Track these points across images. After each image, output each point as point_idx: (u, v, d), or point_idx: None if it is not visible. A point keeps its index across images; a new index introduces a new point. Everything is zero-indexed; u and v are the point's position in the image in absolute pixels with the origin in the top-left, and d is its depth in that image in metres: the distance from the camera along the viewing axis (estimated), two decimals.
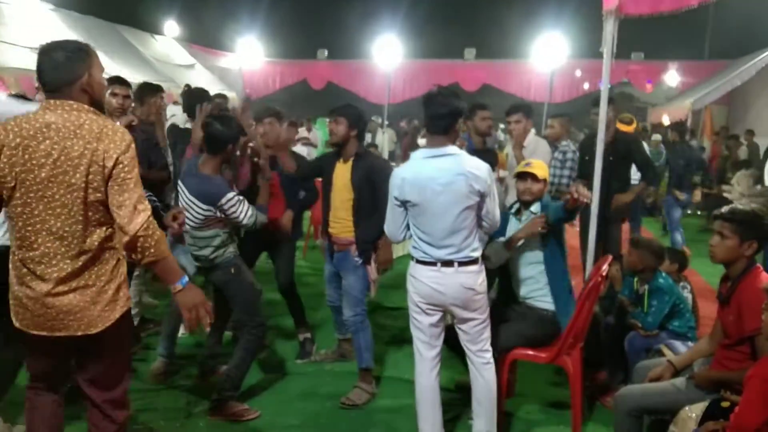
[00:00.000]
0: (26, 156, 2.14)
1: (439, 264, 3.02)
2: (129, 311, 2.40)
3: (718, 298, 2.91)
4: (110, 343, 2.34)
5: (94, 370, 2.39)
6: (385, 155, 12.39)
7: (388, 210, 3.18)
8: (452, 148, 3.01)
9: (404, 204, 3.06)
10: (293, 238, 4.48)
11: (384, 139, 12.97)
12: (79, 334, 2.25)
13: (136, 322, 4.68)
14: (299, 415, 3.64)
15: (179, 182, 3.60)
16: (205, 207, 3.42)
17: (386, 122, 14.68)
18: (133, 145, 2.27)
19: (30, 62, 8.93)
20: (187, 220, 3.44)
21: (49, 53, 2.22)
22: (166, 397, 3.76)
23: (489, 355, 3.17)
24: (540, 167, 3.56)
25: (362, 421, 3.62)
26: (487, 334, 3.16)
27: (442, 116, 3.01)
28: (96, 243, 2.24)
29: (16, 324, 2.28)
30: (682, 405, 2.67)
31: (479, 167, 2.97)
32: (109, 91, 3.97)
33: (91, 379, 2.40)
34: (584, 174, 5.02)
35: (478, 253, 3.07)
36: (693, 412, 2.60)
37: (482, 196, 2.96)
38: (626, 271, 4.08)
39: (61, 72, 2.21)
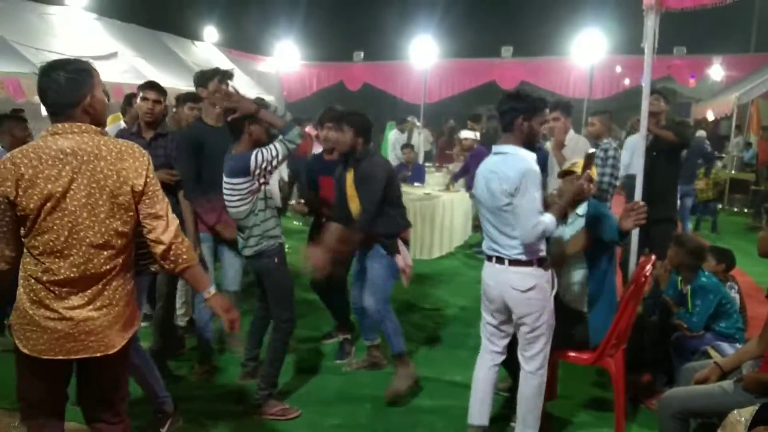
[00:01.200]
0: (49, 185, 2.10)
1: (493, 259, 3.09)
2: (135, 333, 2.43)
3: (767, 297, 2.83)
4: (120, 362, 2.35)
5: (100, 390, 2.38)
6: (421, 155, 12.35)
7: None
8: (507, 147, 3.05)
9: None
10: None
11: (420, 140, 12.94)
12: (99, 355, 2.24)
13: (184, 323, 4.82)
14: (339, 415, 3.67)
15: (224, 178, 3.58)
16: (243, 180, 3.43)
17: (422, 122, 14.65)
18: (149, 158, 2.30)
19: None
20: (233, 209, 3.52)
21: (49, 74, 2.17)
22: (210, 398, 3.84)
23: (534, 367, 3.10)
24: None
25: (402, 421, 3.63)
26: (540, 347, 3.07)
27: (501, 114, 3.09)
28: (119, 262, 2.25)
29: (25, 350, 2.21)
30: (730, 408, 2.60)
31: (511, 167, 2.95)
32: (140, 95, 4.01)
33: (97, 398, 2.40)
34: (653, 170, 4.90)
35: (526, 257, 2.99)
36: (742, 416, 2.52)
37: (511, 196, 2.93)
38: (672, 274, 4.00)
39: (65, 94, 2.17)
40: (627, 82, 15.05)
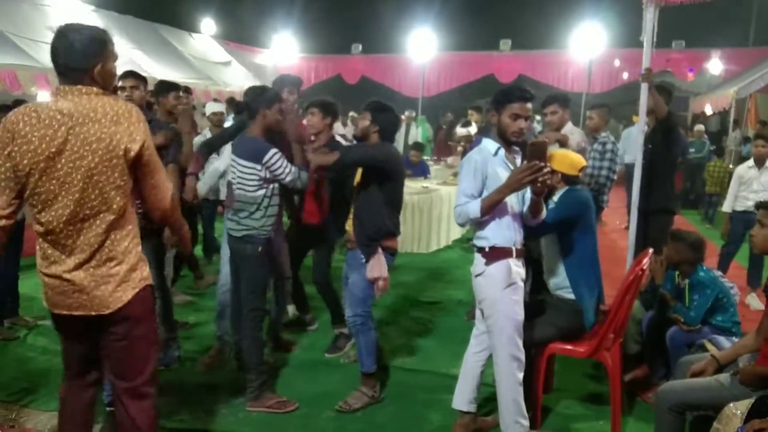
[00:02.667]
0: (42, 144, 2.15)
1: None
2: (147, 296, 2.40)
3: (765, 292, 2.83)
4: (127, 327, 2.35)
5: (114, 357, 2.40)
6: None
7: None
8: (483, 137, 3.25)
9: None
10: (333, 236, 4.54)
11: (417, 133, 12.92)
12: (93, 313, 2.29)
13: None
14: (334, 409, 3.66)
15: (232, 156, 3.68)
16: (251, 165, 3.50)
17: (421, 115, 14.64)
18: (147, 124, 2.33)
19: None
20: (244, 191, 3.55)
21: (66, 36, 2.20)
22: (207, 391, 3.84)
23: (503, 357, 3.09)
24: (559, 160, 3.45)
25: (398, 415, 3.63)
26: (499, 329, 3.07)
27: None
28: (112, 224, 2.27)
29: (45, 304, 2.35)
30: (726, 401, 2.60)
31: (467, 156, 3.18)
32: (119, 85, 4.05)
33: (112, 367, 2.42)
34: (650, 162, 4.90)
35: (482, 243, 3.10)
36: (738, 409, 2.53)
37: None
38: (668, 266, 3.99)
39: (76, 58, 2.19)
40: (626, 76, 15.03)
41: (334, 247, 4.74)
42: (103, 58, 2.24)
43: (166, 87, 4.75)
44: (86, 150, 2.18)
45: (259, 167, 3.50)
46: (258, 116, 3.58)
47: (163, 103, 4.66)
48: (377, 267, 3.63)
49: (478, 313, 3.28)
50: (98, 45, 2.24)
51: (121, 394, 2.43)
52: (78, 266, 2.25)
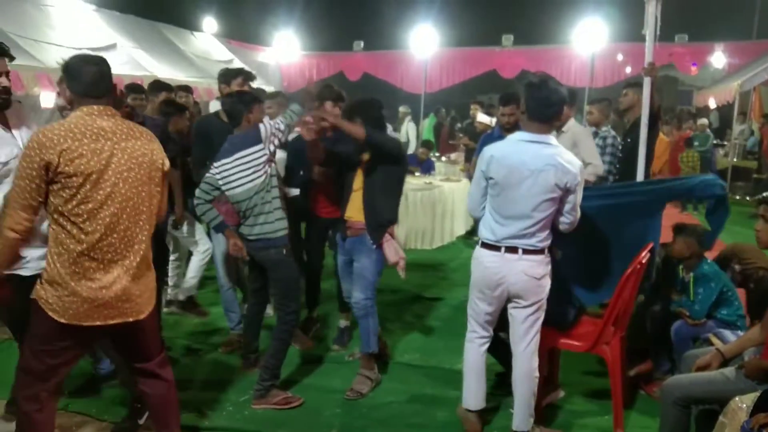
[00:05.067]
0: (94, 157, 2.33)
1: (502, 249, 3.02)
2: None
3: None
4: (151, 322, 2.65)
5: (139, 349, 2.66)
6: (412, 146, 12.26)
7: (472, 184, 3.21)
8: (551, 138, 3.00)
9: (488, 181, 3.04)
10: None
11: (409, 129, 12.80)
12: (131, 320, 2.48)
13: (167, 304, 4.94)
14: (340, 404, 3.68)
15: (221, 163, 3.56)
16: (255, 149, 3.47)
17: (424, 111, 14.61)
18: None
19: None
20: (246, 184, 3.48)
21: (95, 64, 2.46)
22: (211, 388, 3.85)
23: (532, 350, 3.15)
24: None
25: (402, 410, 3.64)
26: (537, 329, 3.14)
27: (551, 104, 2.96)
28: (149, 233, 2.54)
29: (62, 320, 2.37)
30: (731, 395, 2.60)
31: (572, 162, 2.94)
32: None
33: (136, 356, 2.68)
34: (628, 157, 4.90)
35: (545, 244, 3.03)
36: (744, 402, 2.52)
37: (567, 191, 2.94)
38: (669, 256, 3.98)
39: (108, 81, 2.47)
40: (629, 70, 14.95)
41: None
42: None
43: (156, 87, 5.04)
44: (133, 163, 2.44)
45: (262, 145, 3.48)
46: (243, 122, 3.64)
47: (154, 102, 4.86)
48: (394, 250, 3.80)
49: (485, 317, 3.21)
50: (110, 67, 2.53)
51: (153, 370, 2.69)
52: (124, 275, 2.43)
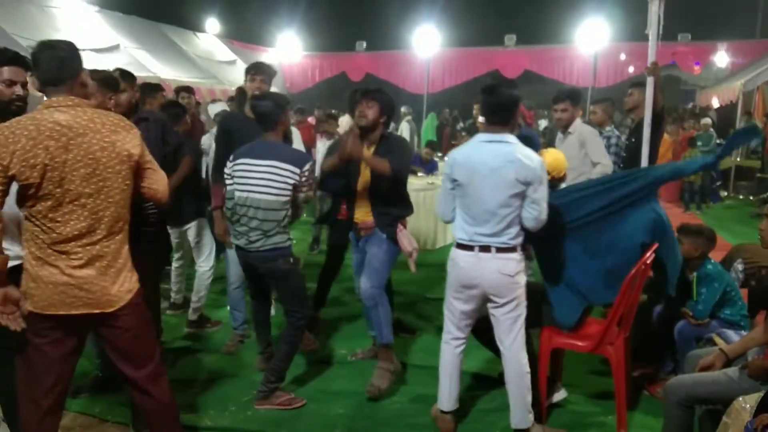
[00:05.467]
0: (48, 155, 2.24)
1: (476, 248, 3.10)
2: (140, 300, 2.55)
3: None
4: (131, 320, 2.50)
5: (120, 351, 2.54)
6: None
7: (441, 189, 3.28)
8: (509, 137, 3.09)
9: (454, 183, 3.14)
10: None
11: (403, 128, 12.77)
12: (97, 311, 2.40)
13: (165, 309, 4.90)
14: (344, 405, 3.68)
15: (245, 161, 3.50)
16: (290, 168, 3.42)
17: (420, 111, 14.60)
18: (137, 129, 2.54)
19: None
20: (270, 196, 3.43)
21: (52, 49, 2.36)
22: (214, 388, 3.86)
23: (519, 345, 3.18)
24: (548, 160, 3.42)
25: (407, 410, 3.65)
26: (520, 325, 3.18)
27: (503, 107, 3.09)
28: (116, 227, 2.43)
29: (30, 307, 2.34)
30: (735, 395, 2.60)
31: (530, 157, 3.02)
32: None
33: (124, 362, 2.56)
34: (632, 156, 4.90)
35: (516, 242, 3.10)
36: (747, 402, 2.52)
37: (528, 184, 2.99)
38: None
39: (68, 67, 2.37)
40: (631, 69, 14.95)
41: None
42: (82, 67, 2.44)
43: (152, 88, 5.02)
44: (90, 159, 2.32)
45: (298, 171, 3.44)
46: (278, 126, 3.57)
47: (150, 103, 4.82)
48: (409, 240, 3.86)
49: (462, 317, 3.25)
50: (78, 54, 2.42)
51: (143, 384, 2.57)
52: (88, 266, 2.36)
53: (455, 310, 3.26)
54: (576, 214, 3.35)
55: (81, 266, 2.35)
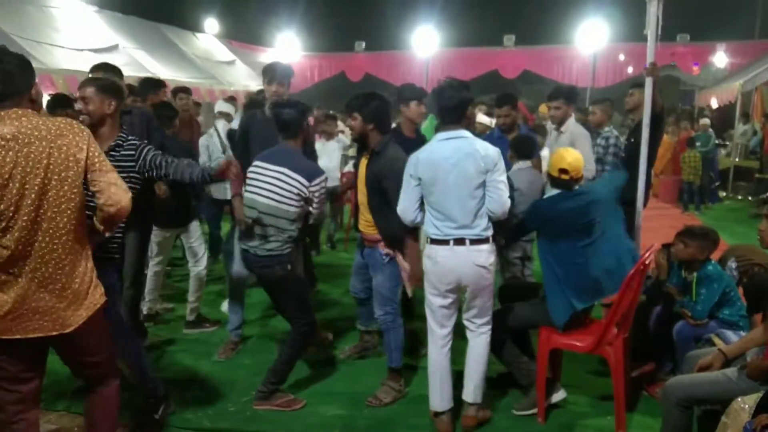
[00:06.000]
0: None
1: (451, 242, 3.19)
2: (100, 316, 2.45)
3: None
4: (87, 337, 2.42)
5: (77, 364, 2.53)
6: None
7: (402, 189, 3.30)
8: (464, 132, 3.24)
9: (419, 182, 3.23)
10: None
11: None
12: (54, 333, 2.31)
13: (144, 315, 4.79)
14: (341, 405, 3.68)
15: (260, 164, 3.58)
16: (299, 180, 3.45)
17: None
18: (91, 132, 2.40)
19: (77, 64, 9.20)
20: (284, 205, 3.46)
21: (2, 62, 2.25)
22: (213, 388, 3.85)
23: (487, 328, 3.40)
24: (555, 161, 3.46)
25: (405, 410, 3.65)
26: (489, 307, 3.38)
27: (454, 108, 3.23)
28: (69, 241, 2.31)
29: None
30: (734, 396, 2.60)
31: (486, 148, 3.19)
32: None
33: (77, 370, 2.57)
34: (631, 156, 4.89)
35: (488, 233, 3.22)
36: (746, 403, 2.52)
37: (487, 172, 3.15)
38: (674, 260, 3.97)
39: (19, 82, 2.28)
40: (630, 70, 14.96)
41: None
42: (34, 78, 2.36)
43: (153, 84, 5.06)
44: (38, 168, 2.21)
45: (307, 184, 3.46)
46: (300, 134, 3.61)
47: (152, 99, 4.84)
48: (406, 269, 3.64)
49: (443, 311, 3.35)
50: (30, 67, 2.33)
51: (93, 384, 2.59)
52: (38, 288, 2.26)
53: (434, 307, 3.35)
54: (585, 219, 3.37)
55: (29, 288, 2.24)
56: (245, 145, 4.18)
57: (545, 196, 3.48)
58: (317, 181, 3.49)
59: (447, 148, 3.18)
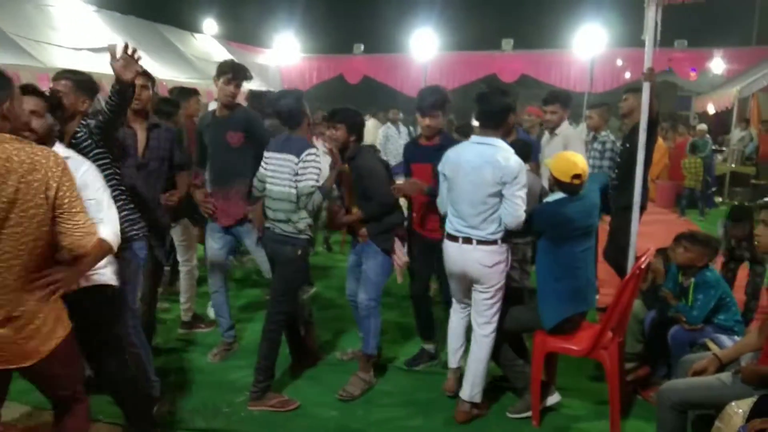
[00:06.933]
0: None
1: (460, 240, 3.40)
2: (68, 345, 2.34)
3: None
4: (51, 367, 2.30)
5: (41, 388, 2.46)
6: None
7: (440, 182, 3.55)
8: (496, 141, 3.36)
9: (445, 178, 3.47)
10: None
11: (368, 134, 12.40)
12: (13, 367, 2.22)
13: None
14: (336, 407, 3.68)
15: (267, 154, 3.75)
16: (292, 161, 3.56)
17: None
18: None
19: (76, 63, 9.19)
20: (272, 187, 3.65)
21: None
22: (207, 390, 3.85)
23: (489, 330, 3.47)
24: (554, 162, 3.47)
25: (398, 413, 3.64)
26: (494, 311, 3.46)
27: (494, 114, 3.39)
28: (33, 278, 2.17)
29: None
30: (728, 400, 2.60)
31: (509, 159, 3.27)
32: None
33: (44, 392, 2.49)
34: (626, 161, 4.90)
35: (496, 236, 3.35)
36: (740, 407, 2.53)
37: (504, 183, 3.26)
38: (671, 264, 3.98)
39: None
40: (628, 75, 14.98)
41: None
42: (11, 92, 2.14)
43: (186, 92, 5.11)
44: (3, 203, 2.03)
45: (296, 160, 3.56)
46: (304, 122, 3.69)
47: (185, 107, 4.90)
48: (400, 254, 3.90)
49: (462, 291, 3.59)
50: (4, 82, 2.13)
51: (58, 411, 2.50)
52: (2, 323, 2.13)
53: (455, 290, 3.65)
54: (588, 222, 3.44)
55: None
56: (202, 147, 4.33)
57: (550, 199, 3.47)
58: (305, 155, 3.55)
59: (472, 152, 3.35)
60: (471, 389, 3.49)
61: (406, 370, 4.19)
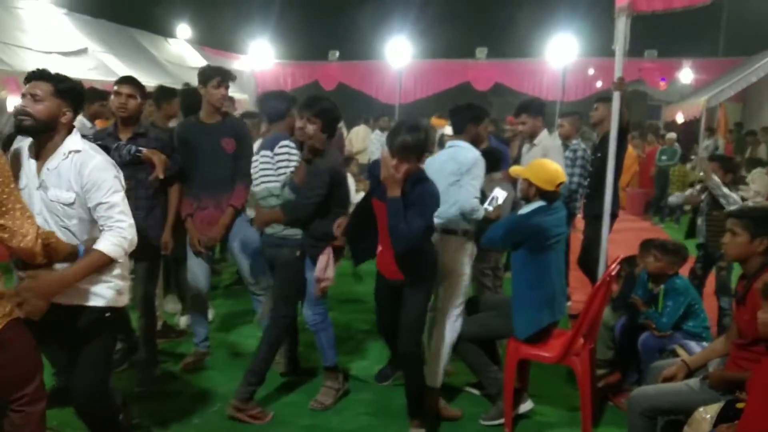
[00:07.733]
0: None
1: (439, 230, 3.63)
2: (11, 329, 2.27)
3: (735, 297, 2.89)
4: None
5: None
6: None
7: None
8: (459, 142, 3.82)
9: None
10: None
11: (358, 140, 12.40)
12: None
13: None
14: (311, 417, 3.65)
15: (254, 156, 3.86)
16: (268, 156, 3.67)
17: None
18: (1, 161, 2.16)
19: (45, 67, 8.98)
20: (255, 188, 3.76)
21: None
22: (179, 399, 3.79)
23: (455, 315, 3.66)
24: (535, 172, 3.48)
25: (372, 422, 3.63)
26: (457, 300, 3.67)
27: (458, 124, 3.92)
28: None
29: None
30: (696, 406, 2.64)
31: (466, 155, 3.69)
32: (114, 90, 3.81)
33: None
34: (597, 170, 4.97)
35: (456, 227, 3.64)
36: (708, 413, 2.57)
37: (461, 174, 3.62)
38: (640, 272, 4.04)
39: None
40: (599, 84, 15.22)
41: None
42: None
43: (168, 93, 4.84)
44: None
45: (271, 154, 3.63)
46: (287, 117, 3.82)
47: (165, 109, 4.72)
48: (324, 268, 3.58)
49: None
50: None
51: (12, 408, 2.40)
52: None
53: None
54: (562, 230, 3.51)
55: None
56: (187, 155, 3.97)
57: (529, 209, 3.48)
58: (277, 148, 3.63)
59: (443, 153, 3.91)
60: (432, 374, 3.63)
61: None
